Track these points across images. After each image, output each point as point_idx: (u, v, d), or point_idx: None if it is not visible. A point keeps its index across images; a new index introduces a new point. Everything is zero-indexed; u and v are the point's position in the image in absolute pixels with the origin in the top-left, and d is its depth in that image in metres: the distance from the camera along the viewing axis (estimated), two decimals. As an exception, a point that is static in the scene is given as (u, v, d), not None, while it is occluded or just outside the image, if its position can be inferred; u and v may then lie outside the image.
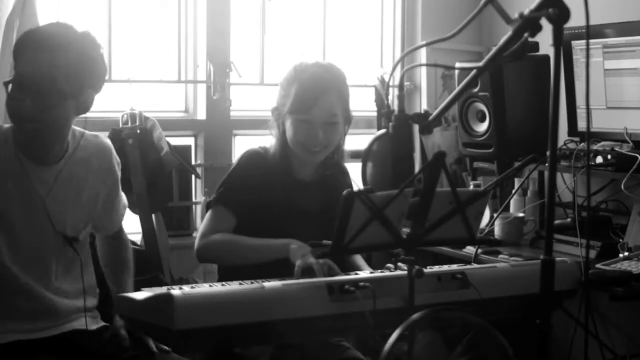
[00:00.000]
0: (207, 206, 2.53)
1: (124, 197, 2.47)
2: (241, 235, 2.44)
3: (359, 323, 1.95)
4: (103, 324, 2.35)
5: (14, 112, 2.10)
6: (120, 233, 2.50)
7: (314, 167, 2.58)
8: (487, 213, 3.18)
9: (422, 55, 3.67)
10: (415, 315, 1.78)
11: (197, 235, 2.48)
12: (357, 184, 2.58)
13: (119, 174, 2.39)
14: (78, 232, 2.27)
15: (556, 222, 3.01)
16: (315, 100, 2.44)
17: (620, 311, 3.22)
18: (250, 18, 3.58)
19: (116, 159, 2.37)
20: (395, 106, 1.85)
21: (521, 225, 3.24)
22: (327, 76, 2.48)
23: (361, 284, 1.97)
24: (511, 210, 3.34)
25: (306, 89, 2.45)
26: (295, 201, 2.51)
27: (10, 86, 2.09)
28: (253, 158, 2.54)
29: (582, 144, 3.11)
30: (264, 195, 2.46)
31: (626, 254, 2.81)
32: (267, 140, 2.61)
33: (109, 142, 2.37)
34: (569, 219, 3.10)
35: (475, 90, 3.25)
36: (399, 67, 3.30)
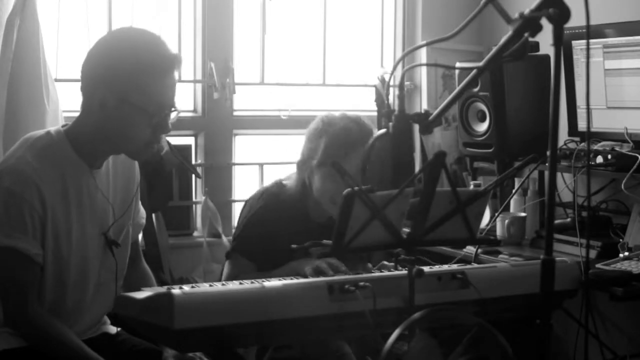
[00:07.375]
0: (227, 256, 2.57)
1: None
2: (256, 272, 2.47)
3: (359, 323, 1.95)
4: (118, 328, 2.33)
5: None
6: (140, 262, 2.43)
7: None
8: (487, 213, 3.18)
9: (423, 55, 3.66)
10: (416, 315, 1.78)
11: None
12: None
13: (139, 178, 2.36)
14: (118, 235, 2.24)
15: (556, 222, 3.01)
16: (346, 154, 2.44)
17: (620, 311, 3.22)
18: (250, 18, 3.58)
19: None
20: (395, 106, 1.85)
21: (522, 225, 3.24)
22: (356, 129, 2.50)
23: (361, 283, 1.97)
24: (511, 210, 3.34)
25: (335, 142, 2.47)
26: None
27: None
28: (269, 203, 2.55)
29: (582, 143, 3.11)
30: (282, 240, 2.42)
31: (626, 254, 2.80)
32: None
33: None
34: (569, 219, 3.09)
35: (476, 90, 3.25)
36: (399, 67, 3.31)
